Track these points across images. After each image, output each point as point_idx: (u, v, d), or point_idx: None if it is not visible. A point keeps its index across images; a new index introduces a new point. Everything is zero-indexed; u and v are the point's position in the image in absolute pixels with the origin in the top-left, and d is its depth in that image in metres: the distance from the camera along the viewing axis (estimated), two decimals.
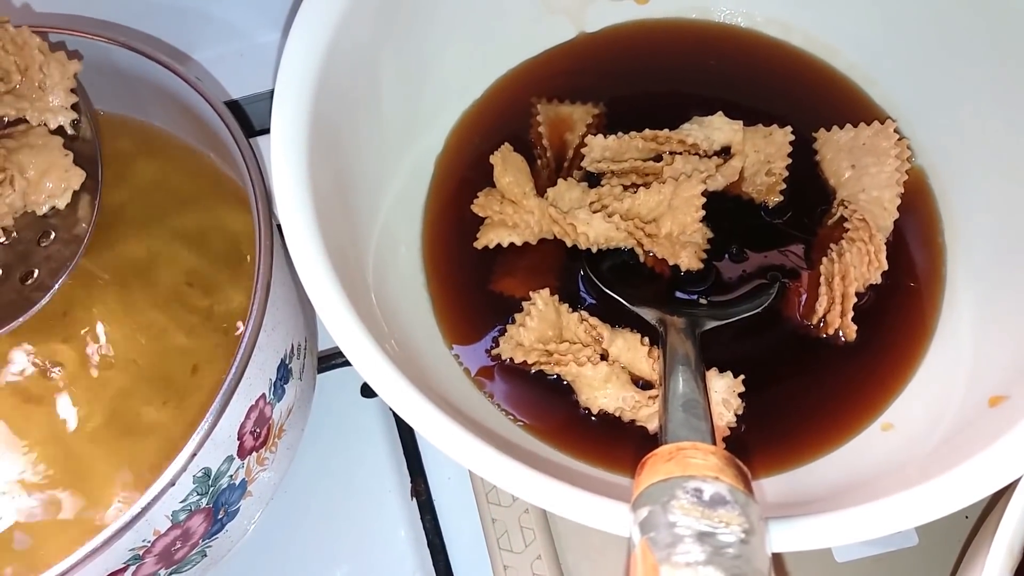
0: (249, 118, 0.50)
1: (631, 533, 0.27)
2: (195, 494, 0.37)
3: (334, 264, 0.34)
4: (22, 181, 0.38)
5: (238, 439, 0.38)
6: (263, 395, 0.39)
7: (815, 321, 0.42)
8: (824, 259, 0.43)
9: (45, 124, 0.39)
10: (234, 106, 0.51)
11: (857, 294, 0.42)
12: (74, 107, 0.40)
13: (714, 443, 0.31)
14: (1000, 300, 0.41)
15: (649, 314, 0.42)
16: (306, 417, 0.48)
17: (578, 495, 0.31)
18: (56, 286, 0.38)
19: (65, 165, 0.38)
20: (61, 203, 0.38)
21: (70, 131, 0.40)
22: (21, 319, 0.37)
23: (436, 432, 0.32)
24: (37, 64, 0.38)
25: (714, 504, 0.26)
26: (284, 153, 0.35)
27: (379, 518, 0.48)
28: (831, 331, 0.42)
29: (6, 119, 0.39)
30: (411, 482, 0.49)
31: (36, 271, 0.38)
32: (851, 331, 0.42)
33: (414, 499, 0.48)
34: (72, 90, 0.39)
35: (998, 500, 0.34)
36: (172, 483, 0.34)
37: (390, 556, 0.47)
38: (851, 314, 0.42)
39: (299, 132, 0.36)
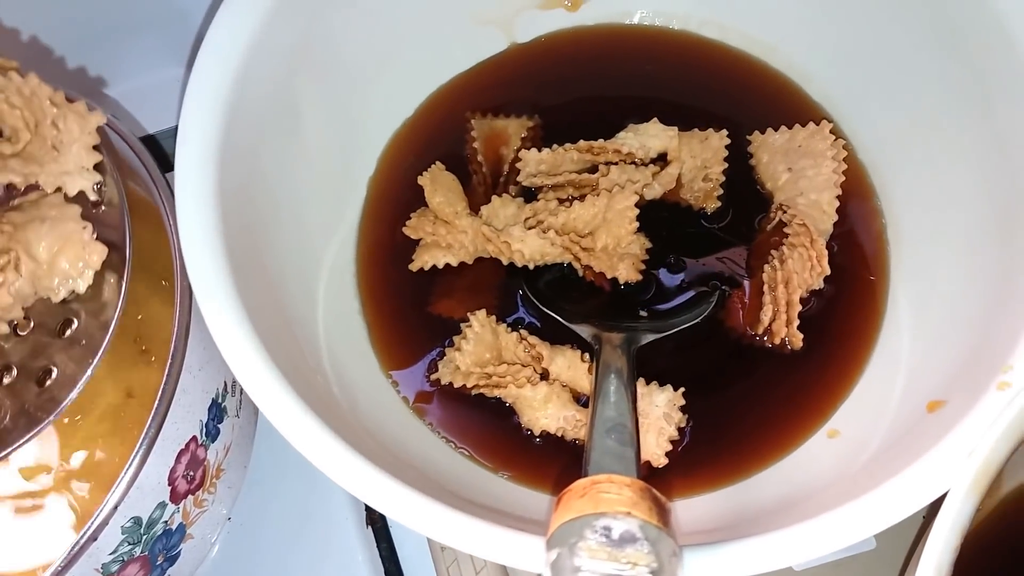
0: (166, 153, 0.49)
1: (544, 574, 0.27)
2: (126, 544, 0.36)
3: (246, 306, 0.33)
4: (30, 263, 0.31)
5: (169, 484, 0.38)
6: (194, 437, 0.39)
7: (760, 331, 0.41)
8: (766, 266, 0.42)
9: (62, 190, 0.33)
10: (150, 141, 0.50)
11: (800, 300, 0.41)
12: (97, 167, 0.33)
13: (637, 471, 0.30)
14: (938, 301, 0.40)
15: (585, 331, 0.41)
16: (248, 453, 0.47)
17: (500, 535, 0.30)
18: (81, 384, 0.32)
19: (83, 240, 0.32)
20: (81, 286, 0.32)
21: (93, 197, 0.33)
22: (41, 426, 0.31)
23: (338, 472, 0.31)
24: (50, 119, 0.32)
25: (622, 543, 0.25)
26: (189, 194, 0.34)
27: (336, 546, 0.47)
28: (777, 340, 0.41)
29: (16, 188, 0.33)
30: (366, 510, 0.48)
31: (55, 368, 0.32)
32: (797, 340, 0.41)
33: (370, 527, 0.48)
34: (95, 147, 0.33)
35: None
36: (94, 537, 0.34)
37: None
38: (797, 322, 0.41)
39: (206, 169, 0.35)
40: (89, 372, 0.32)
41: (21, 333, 0.33)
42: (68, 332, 0.33)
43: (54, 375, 0.32)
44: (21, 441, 0.31)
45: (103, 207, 0.34)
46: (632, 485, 0.28)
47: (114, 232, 0.33)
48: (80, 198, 0.33)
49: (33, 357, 0.32)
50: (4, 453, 0.31)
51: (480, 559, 0.43)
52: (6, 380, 0.32)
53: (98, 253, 0.32)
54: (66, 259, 0.32)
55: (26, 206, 0.32)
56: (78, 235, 0.32)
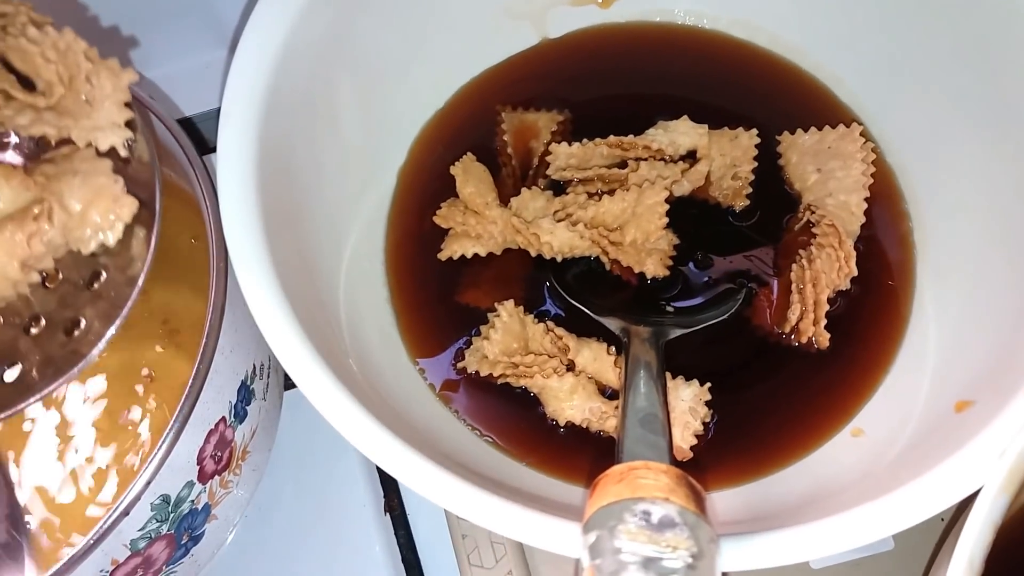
0: (203, 135, 0.49)
1: (581, 556, 0.27)
2: (154, 521, 0.37)
3: (283, 284, 0.34)
4: (62, 214, 0.31)
5: (198, 464, 0.38)
6: (223, 418, 0.39)
7: (787, 329, 0.42)
8: (794, 265, 0.42)
9: (93, 145, 0.32)
10: (187, 123, 0.50)
11: (827, 300, 0.41)
12: (128, 124, 0.33)
13: (671, 460, 0.31)
14: (965, 303, 0.40)
15: (613, 324, 0.41)
16: (273, 436, 0.47)
17: (532, 517, 0.30)
18: (108, 335, 0.32)
19: (114, 193, 0.32)
20: (111, 238, 0.32)
21: (123, 153, 0.33)
22: (66, 376, 0.31)
23: (388, 459, 0.31)
24: (83, 74, 0.32)
25: (662, 527, 0.26)
26: (231, 171, 0.35)
27: (353, 534, 0.48)
28: (804, 339, 0.41)
29: (49, 141, 0.32)
30: (384, 497, 0.48)
31: (83, 319, 0.32)
32: (824, 339, 0.41)
33: (388, 514, 0.48)
34: (127, 104, 0.33)
35: (967, 505, 0.34)
36: (126, 512, 0.34)
37: (365, 572, 0.47)
38: (824, 322, 0.41)
39: (247, 150, 0.36)
40: (115, 326, 0.32)
41: (50, 285, 0.33)
42: (96, 285, 0.33)
43: (82, 326, 0.32)
44: (46, 390, 0.31)
45: (133, 163, 0.34)
46: (668, 472, 0.28)
47: (144, 189, 0.33)
48: (111, 154, 0.33)
49: (61, 308, 0.32)
50: (30, 401, 0.31)
51: (500, 547, 0.43)
52: (34, 331, 0.32)
53: (128, 206, 0.32)
54: (97, 211, 0.32)
55: (58, 159, 0.32)
56: (109, 188, 0.32)
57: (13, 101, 0.31)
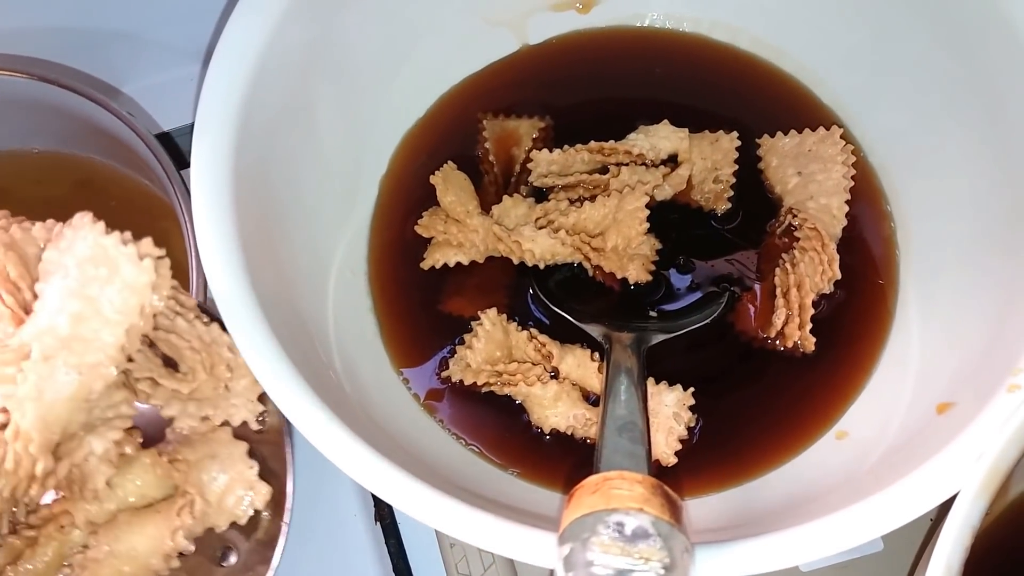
0: (181, 150, 0.49)
1: (556, 569, 0.27)
2: None
3: (260, 300, 0.34)
4: (202, 503, 0.33)
5: None
6: None
7: (773, 333, 0.42)
8: (777, 269, 0.42)
9: (227, 422, 0.34)
10: (165, 138, 0.50)
11: (811, 304, 0.41)
12: (260, 397, 0.35)
13: (648, 468, 0.30)
14: (947, 304, 0.40)
15: (595, 330, 0.41)
16: None
17: (516, 531, 0.30)
18: None
19: (249, 479, 0.33)
20: (242, 520, 0.33)
21: (255, 427, 0.35)
22: None
23: (350, 465, 0.31)
24: (224, 363, 0.34)
25: (635, 539, 0.26)
26: (205, 189, 0.35)
27: (344, 542, 0.48)
28: (790, 343, 0.41)
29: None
30: (375, 506, 0.48)
31: None
32: (809, 343, 0.41)
33: (378, 523, 0.48)
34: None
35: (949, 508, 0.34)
36: None
37: None
38: (809, 326, 0.41)
39: (222, 166, 0.35)
40: None
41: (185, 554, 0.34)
42: (227, 562, 0.34)
43: None
44: None
45: (265, 431, 0.35)
46: (644, 482, 0.28)
47: (274, 453, 0.35)
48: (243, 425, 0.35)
49: None
50: None
51: (488, 556, 0.43)
52: None
53: (263, 495, 0.34)
54: (233, 496, 0.33)
55: (195, 440, 0.34)
56: (245, 474, 0.34)
57: (160, 388, 0.33)
